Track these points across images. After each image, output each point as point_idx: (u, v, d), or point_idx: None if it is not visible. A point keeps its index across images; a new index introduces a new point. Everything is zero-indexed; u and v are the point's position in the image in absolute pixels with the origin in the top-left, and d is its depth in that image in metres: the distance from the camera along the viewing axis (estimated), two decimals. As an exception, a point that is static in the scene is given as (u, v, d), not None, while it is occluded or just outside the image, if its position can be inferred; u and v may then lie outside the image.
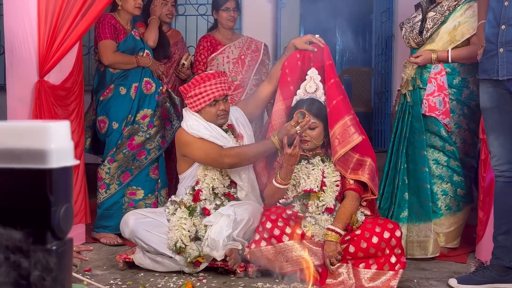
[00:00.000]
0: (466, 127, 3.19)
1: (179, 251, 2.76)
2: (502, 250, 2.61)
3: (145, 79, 3.54)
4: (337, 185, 2.79)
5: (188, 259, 2.75)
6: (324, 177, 2.80)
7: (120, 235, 3.23)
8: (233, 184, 3.01)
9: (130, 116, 3.48)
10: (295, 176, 2.82)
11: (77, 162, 0.91)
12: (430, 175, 3.17)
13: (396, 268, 2.59)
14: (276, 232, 2.64)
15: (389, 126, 4.21)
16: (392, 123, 3.47)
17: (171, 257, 2.78)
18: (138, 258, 2.85)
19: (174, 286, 2.61)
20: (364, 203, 2.83)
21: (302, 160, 2.84)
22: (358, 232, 2.65)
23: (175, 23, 5.29)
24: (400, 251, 2.61)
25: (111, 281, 2.65)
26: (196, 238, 2.83)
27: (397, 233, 2.61)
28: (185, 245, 2.76)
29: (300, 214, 2.72)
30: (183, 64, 3.87)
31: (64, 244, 0.87)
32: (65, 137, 0.88)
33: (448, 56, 3.11)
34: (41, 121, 0.90)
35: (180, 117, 3.55)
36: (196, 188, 2.95)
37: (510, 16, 2.47)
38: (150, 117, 3.54)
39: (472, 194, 3.31)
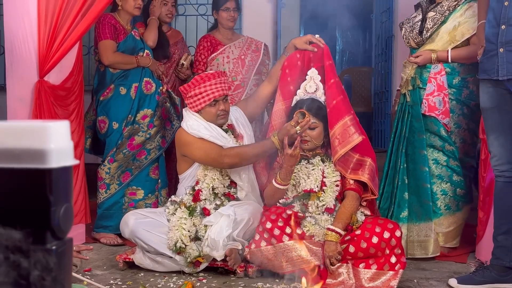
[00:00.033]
0: (465, 127, 3.20)
1: (179, 251, 2.76)
2: (502, 250, 2.61)
3: (145, 79, 3.54)
4: (337, 185, 2.79)
5: (188, 259, 2.75)
6: (324, 177, 2.80)
7: (120, 235, 3.23)
8: (233, 184, 3.01)
9: (130, 116, 3.48)
10: (295, 176, 2.82)
11: (76, 162, 0.91)
12: (429, 174, 3.17)
13: (396, 268, 2.58)
14: (276, 232, 2.64)
15: (389, 126, 4.21)
16: (392, 123, 3.47)
17: (171, 257, 2.78)
18: (138, 258, 2.85)
19: (174, 286, 2.61)
20: (364, 203, 2.83)
21: (302, 160, 2.84)
22: (358, 232, 2.65)
23: (175, 23, 5.29)
24: (400, 251, 2.61)
25: (111, 281, 2.65)
26: (196, 238, 2.83)
27: (397, 233, 2.61)
28: (185, 245, 2.76)
29: (300, 214, 2.72)
30: (182, 64, 3.88)
31: (64, 244, 0.87)
32: (65, 137, 0.88)
33: (448, 56, 3.11)
34: (41, 121, 0.90)
35: (180, 117, 3.55)
36: (196, 188, 2.95)
37: (510, 16, 2.47)
38: (150, 117, 3.54)
39: (471, 194, 3.31)
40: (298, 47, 3.05)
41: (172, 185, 3.79)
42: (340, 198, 2.81)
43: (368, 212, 2.81)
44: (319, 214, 2.75)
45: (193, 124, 2.93)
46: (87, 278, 2.38)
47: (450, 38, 3.13)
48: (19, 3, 3.04)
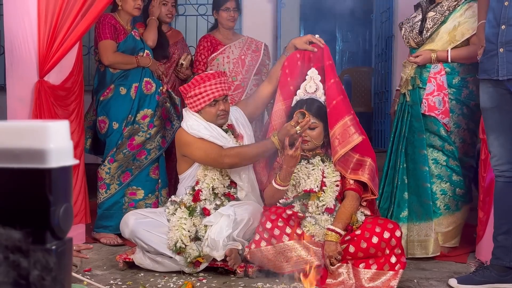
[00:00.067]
0: (465, 127, 3.20)
1: (179, 251, 2.76)
2: (502, 250, 2.61)
3: (145, 79, 3.54)
4: (337, 185, 2.79)
5: (188, 259, 2.75)
6: (324, 177, 2.80)
7: (120, 235, 3.23)
8: (233, 184, 3.01)
9: (130, 116, 3.49)
10: (295, 176, 2.82)
11: (76, 161, 0.91)
12: (429, 174, 3.17)
13: (396, 268, 2.58)
14: (276, 232, 2.64)
15: (389, 126, 4.21)
16: (391, 123, 3.48)
17: (171, 257, 2.78)
18: (138, 258, 2.85)
19: (174, 286, 2.61)
20: (364, 203, 2.83)
21: (302, 160, 2.84)
22: (358, 232, 2.65)
23: (175, 23, 5.28)
24: (400, 251, 2.61)
25: (111, 281, 2.65)
26: (196, 238, 2.83)
27: (397, 233, 2.61)
28: (185, 245, 2.76)
29: (300, 214, 2.72)
30: (182, 64, 3.88)
31: (64, 243, 0.87)
32: (65, 137, 0.88)
33: (447, 56, 3.11)
34: (41, 121, 0.90)
35: (180, 117, 3.55)
36: (196, 188, 2.95)
37: (510, 16, 2.47)
38: (150, 117, 3.54)
39: (471, 193, 3.31)
40: (298, 47, 3.05)
41: (172, 185, 3.79)
42: (340, 198, 2.81)
43: (368, 212, 2.81)
44: (319, 214, 2.75)
45: (193, 124, 2.94)
46: (87, 278, 2.38)
47: (450, 38, 3.13)
48: (19, 3, 3.04)
